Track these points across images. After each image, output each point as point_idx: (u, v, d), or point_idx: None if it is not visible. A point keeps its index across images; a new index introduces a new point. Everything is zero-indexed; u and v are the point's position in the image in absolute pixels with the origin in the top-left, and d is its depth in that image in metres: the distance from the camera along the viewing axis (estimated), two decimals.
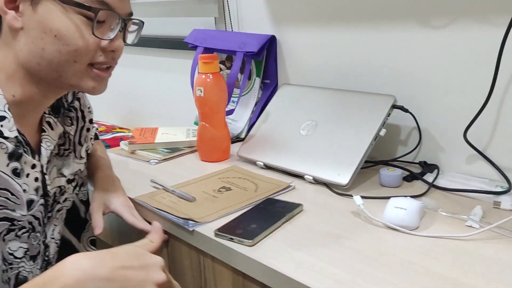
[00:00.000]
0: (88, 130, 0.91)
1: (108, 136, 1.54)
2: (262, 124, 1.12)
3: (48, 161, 0.78)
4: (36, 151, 0.76)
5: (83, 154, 0.90)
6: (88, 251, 0.93)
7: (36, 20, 0.68)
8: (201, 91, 1.08)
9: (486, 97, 0.88)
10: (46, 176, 0.77)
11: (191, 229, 0.79)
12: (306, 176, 0.96)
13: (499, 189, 0.85)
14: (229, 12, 1.37)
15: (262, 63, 1.28)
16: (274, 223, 0.77)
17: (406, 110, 0.98)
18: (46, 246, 0.81)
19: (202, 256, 0.81)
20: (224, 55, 1.37)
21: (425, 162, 1.01)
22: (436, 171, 0.96)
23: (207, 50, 1.34)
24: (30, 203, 0.74)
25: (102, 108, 1.68)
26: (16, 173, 0.70)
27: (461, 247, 0.69)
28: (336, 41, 1.13)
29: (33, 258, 0.78)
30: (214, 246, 0.76)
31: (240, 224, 0.78)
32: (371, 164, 1.03)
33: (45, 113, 0.79)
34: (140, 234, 0.82)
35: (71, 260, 0.59)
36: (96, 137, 1.05)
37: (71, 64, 0.70)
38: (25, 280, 0.76)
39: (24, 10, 0.68)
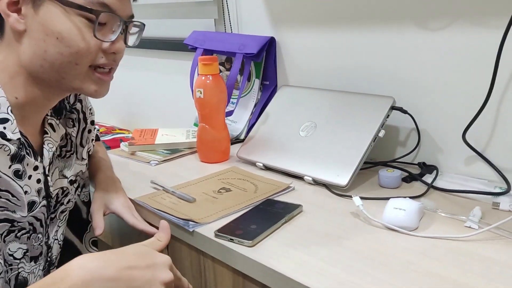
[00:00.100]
0: (89, 131, 0.91)
1: (108, 137, 1.54)
2: (262, 125, 1.12)
3: (50, 163, 0.78)
4: (38, 153, 0.76)
5: (85, 155, 0.90)
6: (90, 252, 0.93)
7: (38, 22, 0.68)
8: (200, 93, 1.08)
9: (485, 98, 0.89)
10: (48, 178, 0.78)
11: (191, 229, 0.79)
12: (305, 177, 0.96)
13: (498, 190, 0.86)
14: (229, 14, 1.37)
15: (261, 64, 1.29)
16: (274, 223, 0.78)
17: (405, 112, 0.99)
18: (49, 247, 0.81)
19: (202, 256, 0.82)
20: (223, 57, 1.37)
21: (424, 163, 1.01)
22: (435, 172, 0.96)
23: (207, 51, 1.34)
24: (31, 204, 0.74)
25: (102, 109, 1.68)
26: (18, 175, 0.71)
27: (460, 247, 0.70)
28: (335, 43, 1.13)
29: (35, 259, 0.78)
30: (214, 246, 0.76)
31: (240, 224, 0.78)
32: (370, 165, 1.03)
33: (47, 115, 0.80)
34: (140, 234, 0.83)
35: (78, 261, 0.59)
36: (97, 138, 1.05)
37: (73, 66, 0.71)
38: (25, 281, 0.76)
39: (26, 13, 0.68)
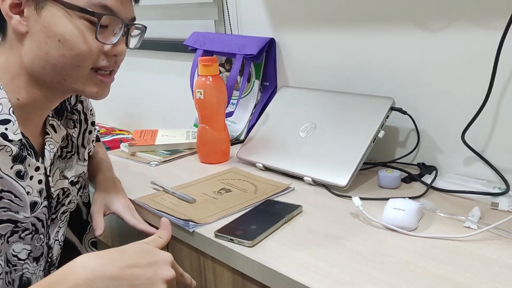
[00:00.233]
0: (90, 132, 0.92)
1: (108, 138, 1.55)
2: (262, 126, 1.12)
3: (52, 164, 0.79)
4: (39, 154, 0.76)
5: (86, 156, 0.91)
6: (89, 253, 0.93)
7: (40, 24, 0.68)
8: (201, 94, 1.08)
9: (484, 99, 0.89)
10: (50, 179, 0.78)
11: (191, 230, 0.80)
12: (305, 178, 0.97)
13: (496, 190, 0.86)
14: (229, 15, 1.37)
15: (261, 65, 1.29)
16: (273, 224, 0.78)
17: (404, 112, 0.99)
18: (50, 248, 0.81)
19: (202, 257, 0.82)
20: (223, 58, 1.37)
21: (423, 164, 1.01)
22: (434, 172, 0.97)
23: (207, 52, 1.35)
24: (33, 205, 0.74)
25: (102, 110, 1.69)
26: (20, 175, 0.71)
27: (459, 247, 0.70)
28: (335, 44, 1.14)
29: (36, 259, 0.78)
30: (214, 247, 0.77)
31: (240, 225, 0.79)
32: (369, 165, 1.03)
33: (48, 116, 0.80)
34: (140, 235, 0.83)
35: (80, 260, 0.60)
36: (97, 139, 1.06)
37: (75, 69, 0.71)
38: (28, 281, 0.77)
39: (28, 15, 0.69)
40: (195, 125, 1.39)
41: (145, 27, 0.80)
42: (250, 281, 0.72)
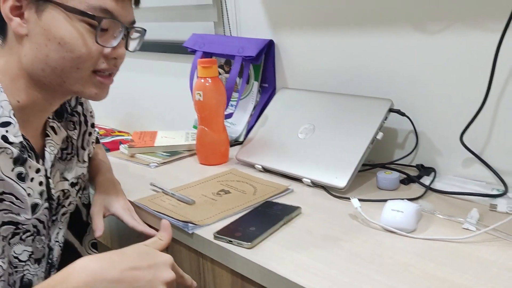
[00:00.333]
0: (90, 134, 0.92)
1: (108, 139, 1.55)
2: (261, 128, 1.13)
3: (52, 165, 0.79)
4: (40, 156, 0.77)
5: (86, 158, 0.91)
6: (89, 254, 0.93)
7: (40, 27, 0.69)
8: (200, 95, 1.09)
9: (482, 100, 0.89)
10: (50, 180, 0.78)
11: (190, 231, 0.80)
12: (304, 179, 0.97)
13: (495, 192, 0.86)
14: (228, 17, 1.38)
15: (260, 67, 1.29)
16: (272, 225, 0.78)
17: (403, 114, 0.99)
18: (50, 249, 0.81)
19: (201, 258, 0.82)
20: (222, 60, 1.37)
21: (422, 165, 1.02)
22: (433, 174, 0.97)
23: (206, 54, 1.35)
24: (34, 207, 0.74)
25: (102, 111, 1.69)
26: (21, 177, 0.71)
27: (458, 249, 0.70)
28: (334, 46, 1.14)
29: (38, 261, 0.78)
30: (213, 248, 0.77)
31: (239, 226, 0.79)
32: (368, 167, 1.03)
33: (49, 118, 0.80)
34: (139, 236, 0.83)
35: (81, 263, 0.60)
36: (97, 141, 1.06)
37: (75, 71, 0.71)
38: (29, 283, 0.77)
39: (29, 17, 0.69)
40: (195, 127, 1.40)
41: (145, 30, 0.80)
42: (249, 283, 0.73)
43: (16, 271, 0.74)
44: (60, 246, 0.84)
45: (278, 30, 1.26)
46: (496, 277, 0.63)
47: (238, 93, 1.32)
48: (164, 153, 1.21)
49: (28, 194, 0.72)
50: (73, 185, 0.87)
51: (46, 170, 0.77)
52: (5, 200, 0.69)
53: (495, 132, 0.92)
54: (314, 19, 1.17)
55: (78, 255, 0.91)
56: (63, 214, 0.84)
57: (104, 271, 0.60)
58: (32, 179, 0.73)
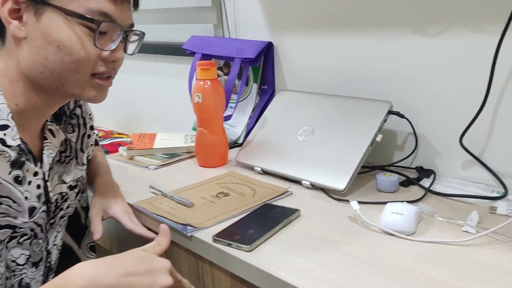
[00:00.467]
0: (89, 136, 0.92)
1: (107, 141, 1.55)
2: (260, 130, 1.13)
3: (50, 168, 0.79)
4: (38, 159, 0.76)
5: (85, 160, 0.91)
6: (88, 257, 0.93)
7: (39, 30, 0.68)
8: (199, 97, 1.08)
9: (482, 102, 0.89)
10: (48, 183, 0.78)
11: (189, 234, 0.80)
12: (303, 182, 0.96)
13: (495, 194, 0.86)
14: (227, 19, 1.37)
15: (259, 69, 1.29)
16: (271, 228, 0.78)
17: (402, 116, 0.99)
18: (48, 253, 0.81)
19: (200, 261, 0.82)
20: (221, 62, 1.37)
21: (421, 168, 1.01)
22: (432, 176, 0.97)
23: (205, 56, 1.35)
24: (32, 210, 0.74)
25: (101, 113, 1.69)
26: (18, 180, 0.71)
27: (458, 252, 0.70)
28: (333, 48, 1.14)
29: (36, 264, 0.78)
30: (212, 251, 0.77)
31: (238, 229, 0.78)
32: (367, 169, 1.03)
33: (47, 120, 0.80)
34: (138, 239, 0.83)
35: (77, 268, 0.60)
36: (96, 143, 1.06)
37: (74, 74, 0.71)
38: (27, 286, 0.77)
39: (27, 20, 0.69)
40: (194, 129, 1.39)
41: (143, 33, 0.80)
42: (248, 286, 0.72)
43: (14, 275, 0.74)
44: (58, 249, 0.84)
45: (277, 32, 1.26)
46: (496, 280, 0.62)
47: (237, 95, 1.32)
48: (163, 155, 1.21)
49: (26, 198, 0.72)
50: (72, 188, 0.86)
51: (44, 173, 0.77)
52: (2, 204, 0.69)
53: (495, 134, 0.92)
54: (313, 21, 1.16)
55: (76, 258, 0.91)
56: (62, 217, 0.84)
57: (100, 277, 0.59)
58: (29, 182, 0.73)
